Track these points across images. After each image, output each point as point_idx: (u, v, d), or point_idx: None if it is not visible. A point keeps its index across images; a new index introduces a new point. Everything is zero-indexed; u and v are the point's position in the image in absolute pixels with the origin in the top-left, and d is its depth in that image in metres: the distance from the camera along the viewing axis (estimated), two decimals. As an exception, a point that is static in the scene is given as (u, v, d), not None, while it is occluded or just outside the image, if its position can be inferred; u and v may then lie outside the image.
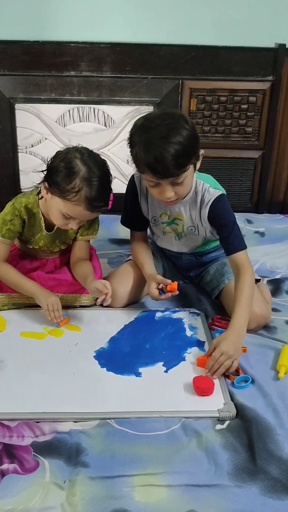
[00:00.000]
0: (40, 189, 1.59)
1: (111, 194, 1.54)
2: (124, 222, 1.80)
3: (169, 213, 1.67)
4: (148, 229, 1.81)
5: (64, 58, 2.24)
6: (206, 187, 1.60)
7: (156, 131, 1.41)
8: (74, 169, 1.47)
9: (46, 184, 1.52)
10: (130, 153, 1.49)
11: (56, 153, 1.54)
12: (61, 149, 1.55)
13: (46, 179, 1.52)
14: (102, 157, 1.55)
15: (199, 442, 1.20)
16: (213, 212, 1.60)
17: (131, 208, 1.72)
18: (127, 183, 1.72)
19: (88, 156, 1.50)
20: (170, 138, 1.40)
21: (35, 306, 1.66)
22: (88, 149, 1.55)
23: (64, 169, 1.47)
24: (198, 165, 1.53)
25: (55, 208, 1.52)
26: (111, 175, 1.54)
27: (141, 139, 1.43)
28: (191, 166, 1.49)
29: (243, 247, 1.60)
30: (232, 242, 1.59)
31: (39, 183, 1.57)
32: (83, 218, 1.55)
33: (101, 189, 1.49)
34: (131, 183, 1.69)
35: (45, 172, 1.53)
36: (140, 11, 2.27)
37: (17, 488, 1.08)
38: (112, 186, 1.57)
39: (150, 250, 1.79)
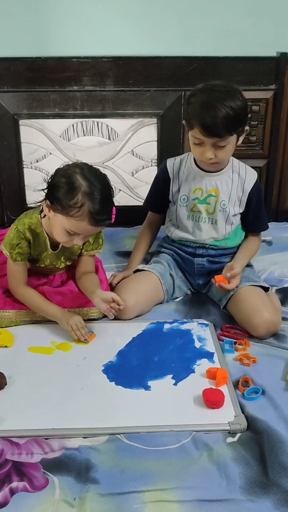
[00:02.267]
0: (42, 208, 1.58)
1: (114, 208, 1.54)
2: (146, 205, 1.98)
3: (204, 188, 1.76)
4: (165, 224, 1.92)
5: (66, 73, 2.25)
6: (243, 165, 1.80)
7: (215, 93, 1.60)
8: (75, 184, 1.46)
9: (48, 202, 1.51)
10: (184, 111, 1.72)
11: (56, 170, 1.53)
12: (61, 166, 1.54)
13: (48, 196, 1.51)
14: (102, 172, 1.55)
15: (210, 456, 1.19)
16: (256, 187, 1.79)
17: (155, 192, 1.91)
18: (156, 172, 1.94)
19: (88, 170, 1.50)
20: (226, 102, 1.58)
21: (42, 321, 1.66)
22: (87, 164, 1.54)
23: (65, 185, 1.47)
24: (240, 139, 1.68)
25: (59, 225, 1.51)
26: (112, 188, 1.54)
27: (200, 97, 1.61)
28: (235, 136, 1.64)
29: (267, 227, 1.89)
30: (262, 221, 1.86)
31: (41, 201, 1.57)
32: (87, 233, 1.54)
33: (104, 202, 1.48)
34: (164, 169, 1.86)
35: (46, 190, 1.52)
36: (141, 24, 2.28)
37: (27, 506, 1.06)
38: (116, 199, 1.56)
39: (152, 241, 1.97)
